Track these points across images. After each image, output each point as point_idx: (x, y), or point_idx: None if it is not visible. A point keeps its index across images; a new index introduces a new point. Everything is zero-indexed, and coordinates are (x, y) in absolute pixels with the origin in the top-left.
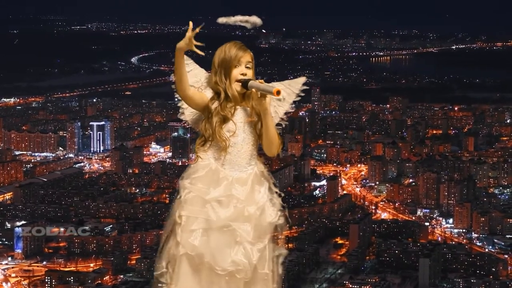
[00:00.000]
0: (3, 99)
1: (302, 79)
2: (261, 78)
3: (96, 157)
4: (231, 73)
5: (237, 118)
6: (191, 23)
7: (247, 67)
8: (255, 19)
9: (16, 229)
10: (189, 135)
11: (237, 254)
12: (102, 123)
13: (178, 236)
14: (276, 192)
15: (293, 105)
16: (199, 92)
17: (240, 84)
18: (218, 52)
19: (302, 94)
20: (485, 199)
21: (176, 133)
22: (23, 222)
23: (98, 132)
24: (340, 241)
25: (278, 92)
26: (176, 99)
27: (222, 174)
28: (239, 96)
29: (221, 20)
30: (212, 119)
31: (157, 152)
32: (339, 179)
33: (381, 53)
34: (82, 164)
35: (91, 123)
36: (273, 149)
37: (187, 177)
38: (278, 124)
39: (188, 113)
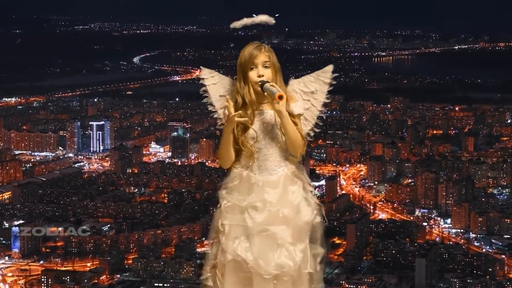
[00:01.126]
0: (4, 98)
1: (330, 67)
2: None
3: (96, 157)
4: (248, 77)
5: (259, 122)
6: (230, 103)
7: (265, 67)
8: (268, 18)
9: (14, 228)
10: (188, 135)
11: (281, 256)
12: (102, 122)
13: (223, 244)
14: (311, 191)
15: (328, 95)
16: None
17: (259, 87)
18: (239, 57)
19: (334, 82)
20: (483, 199)
21: (175, 133)
22: (21, 221)
23: (98, 132)
24: (338, 241)
25: (281, 97)
26: (211, 112)
27: (253, 180)
28: (259, 99)
29: (234, 24)
30: (235, 129)
31: (157, 152)
32: (338, 179)
33: (384, 53)
34: (81, 163)
35: (90, 122)
36: (295, 149)
37: (224, 187)
38: (318, 117)
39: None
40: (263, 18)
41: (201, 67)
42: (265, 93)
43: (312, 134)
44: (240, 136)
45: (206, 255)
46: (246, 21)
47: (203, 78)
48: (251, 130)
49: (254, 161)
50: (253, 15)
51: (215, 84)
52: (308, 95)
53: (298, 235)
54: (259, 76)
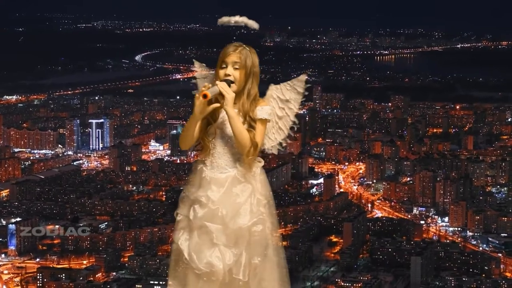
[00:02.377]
0: (5, 96)
1: (304, 77)
2: (263, 76)
3: (95, 155)
4: (217, 75)
5: (221, 120)
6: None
7: (235, 68)
8: (253, 23)
9: (10, 226)
10: None
11: (212, 255)
12: (101, 120)
13: (174, 232)
14: (260, 199)
15: (301, 106)
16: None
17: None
18: None
19: (306, 93)
20: (481, 198)
21: (175, 131)
22: (18, 219)
23: (97, 130)
24: (335, 239)
25: (205, 96)
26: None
27: (203, 175)
28: (222, 98)
29: (222, 20)
30: (200, 123)
31: (156, 149)
32: (337, 177)
33: (386, 52)
34: (80, 161)
35: (90, 120)
36: (241, 150)
37: (187, 179)
38: (291, 128)
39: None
40: (249, 22)
41: (193, 59)
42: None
43: (284, 144)
44: (203, 130)
45: None
46: (231, 19)
47: (194, 71)
48: (212, 126)
49: (209, 157)
50: (237, 16)
51: (204, 78)
52: (283, 103)
53: (234, 239)
54: (225, 75)
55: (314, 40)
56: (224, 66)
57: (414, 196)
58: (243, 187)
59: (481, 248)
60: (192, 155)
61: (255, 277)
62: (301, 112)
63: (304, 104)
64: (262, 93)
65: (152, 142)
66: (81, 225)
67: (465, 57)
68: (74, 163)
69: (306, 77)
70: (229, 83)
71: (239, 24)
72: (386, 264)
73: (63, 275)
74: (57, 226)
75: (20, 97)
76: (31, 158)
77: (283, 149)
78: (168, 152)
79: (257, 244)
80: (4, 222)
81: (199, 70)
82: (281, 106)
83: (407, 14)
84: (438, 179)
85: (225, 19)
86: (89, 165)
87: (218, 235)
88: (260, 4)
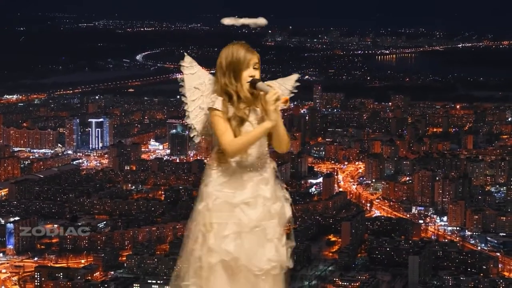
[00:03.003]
0: (5, 96)
1: (295, 76)
2: (263, 75)
3: (95, 154)
4: (241, 75)
5: (251, 119)
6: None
7: (254, 68)
8: (261, 21)
9: (8, 225)
10: (187, 132)
11: (271, 251)
12: (101, 120)
13: (211, 244)
14: (284, 187)
15: (289, 104)
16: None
17: (249, 85)
18: (224, 54)
19: (295, 91)
20: (480, 197)
21: (174, 130)
22: (16, 218)
23: (97, 129)
24: (333, 239)
25: (286, 100)
26: (183, 102)
27: (246, 177)
28: (254, 98)
29: (227, 21)
30: (231, 123)
31: (156, 149)
32: (336, 177)
33: (387, 52)
34: (80, 160)
35: (89, 120)
36: (283, 146)
37: (210, 184)
38: None
39: (193, 117)
40: (257, 21)
41: (185, 53)
42: (257, 91)
43: None
44: (237, 129)
45: (184, 260)
46: (238, 21)
47: (183, 66)
48: (247, 124)
49: (248, 157)
50: (240, 17)
51: (192, 75)
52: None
53: (283, 230)
54: (250, 76)
55: (315, 40)
56: (246, 67)
57: (413, 195)
58: (278, 180)
59: (479, 248)
60: (192, 154)
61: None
62: (302, 111)
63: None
64: None
65: (152, 142)
66: (80, 224)
67: (466, 57)
68: (74, 163)
69: (298, 76)
70: (256, 81)
71: (247, 25)
72: (384, 264)
73: (61, 274)
74: (55, 225)
75: (20, 97)
76: (31, 157)
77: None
78: (168, 151)
79: (291, 228)
80: (2, 221)
81: (188, 65)
82: None
83: (408, 13)
84: (437, 178)
85: (231, 20)
86: (89, 164)
87: (272, 230)
88: (261, 4)
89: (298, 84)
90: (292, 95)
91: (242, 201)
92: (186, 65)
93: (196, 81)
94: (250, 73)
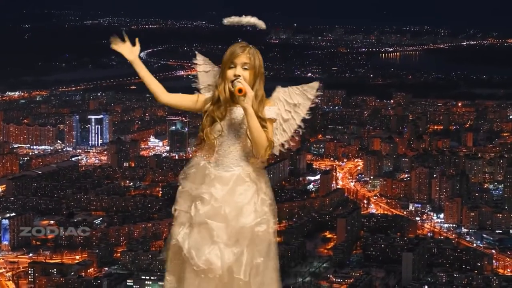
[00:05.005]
0: (7, 92)
1: (316, 84)
2: (266, 73)
3: (94, 151)
4: (225, 74)
5: (228, 118)
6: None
7: (244, 68)
8: (261, 24)
9: (4, 221)
10: (187, 129)
11: (211, 253)
12: (101, 116)
13: (172, 228)
14: (264, 199)
15: (310, 112)
16: (188, 96)
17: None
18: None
19: (317, 100)
20: (477, 194)
21: (174, 127)
22: (12, 214)
23: (96, 126)
24: (329, 235)
25: (240, 91)
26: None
27: (207, 171)
28: (233, 98)
29: (230, 20)
30: (204, 119)
31: (156, 145)
32: (334, 174)
33: (391, 49)
34: (79, 157)
35: (89, 116)
36: (258, 150)
37: (183, 173)
38: (295, 131)
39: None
40: (256, 21)
41: (196, 52)
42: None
43: (286, 146)
44: (207, 127)
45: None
46: (237, 19)
47: (195, 64)
48: (218, 123)
49: (213, 154)
50: (243, 16)
51: (206, 72)
52: (290, 106)
53: (235, 238)
54: (235, 76)
55: (319, 38)
56: (233, 66)
57: (410, 192)
58: (247, 186)
59: (475, 245)
60: (191, 151)
61: (257, 276)
62: (308, 117)
63: (312, 111)
64: (267, 93)
65: (152, 138)
66: (76, 220)
67: (470, 55)
68: (73, 159)
69: (320, 84)
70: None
71: (249, 24)
72: (379, 260)
73: (54, 270)
74: (52, 221)
75: (22, 93)
76: (30, 153)
77: (284, 150)
78: (167, 148)
79: (260, 244)
80: None
81: (201, 63)
82: (288, 109)
83: (413, 12)
84: (434, 175)
85: (234, 19)
86: (88, 161)
87: (219, 233)
88: (266, 2)
89: (320, 93)
90: (314, 105)
91: (198, 194)
92: (199, 63)
93: (210, 79)
94: (236, 72)
